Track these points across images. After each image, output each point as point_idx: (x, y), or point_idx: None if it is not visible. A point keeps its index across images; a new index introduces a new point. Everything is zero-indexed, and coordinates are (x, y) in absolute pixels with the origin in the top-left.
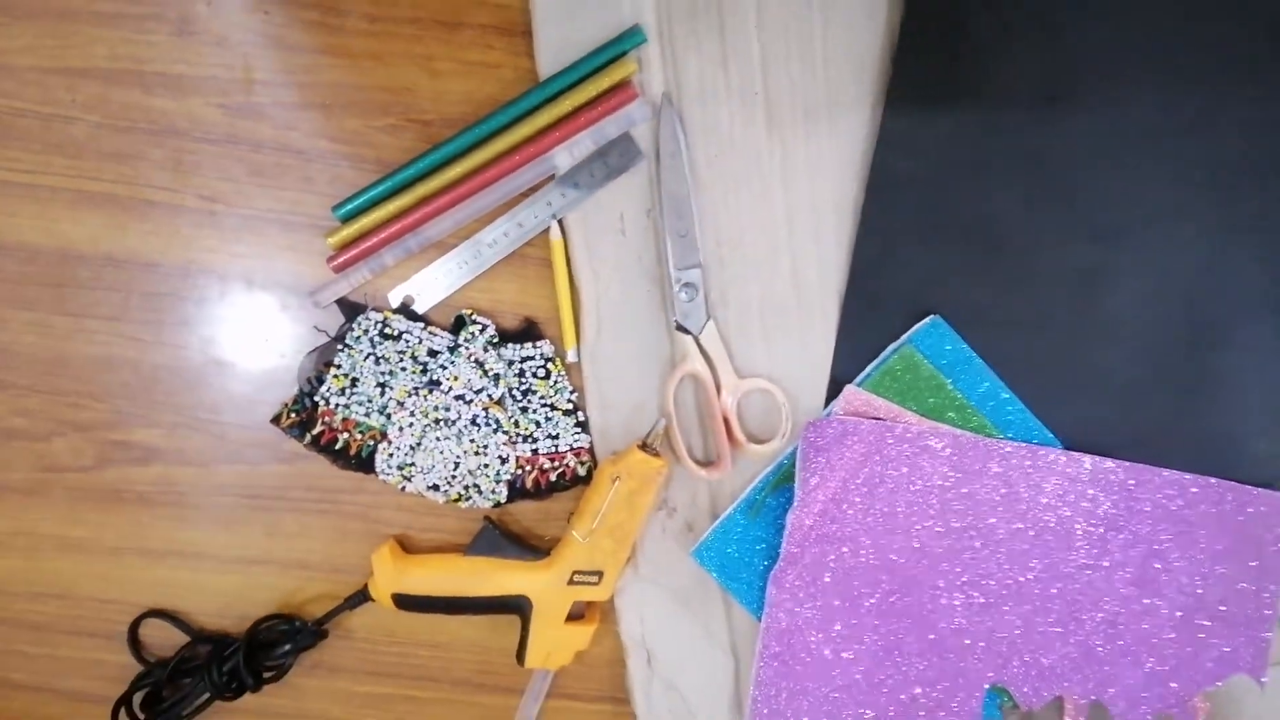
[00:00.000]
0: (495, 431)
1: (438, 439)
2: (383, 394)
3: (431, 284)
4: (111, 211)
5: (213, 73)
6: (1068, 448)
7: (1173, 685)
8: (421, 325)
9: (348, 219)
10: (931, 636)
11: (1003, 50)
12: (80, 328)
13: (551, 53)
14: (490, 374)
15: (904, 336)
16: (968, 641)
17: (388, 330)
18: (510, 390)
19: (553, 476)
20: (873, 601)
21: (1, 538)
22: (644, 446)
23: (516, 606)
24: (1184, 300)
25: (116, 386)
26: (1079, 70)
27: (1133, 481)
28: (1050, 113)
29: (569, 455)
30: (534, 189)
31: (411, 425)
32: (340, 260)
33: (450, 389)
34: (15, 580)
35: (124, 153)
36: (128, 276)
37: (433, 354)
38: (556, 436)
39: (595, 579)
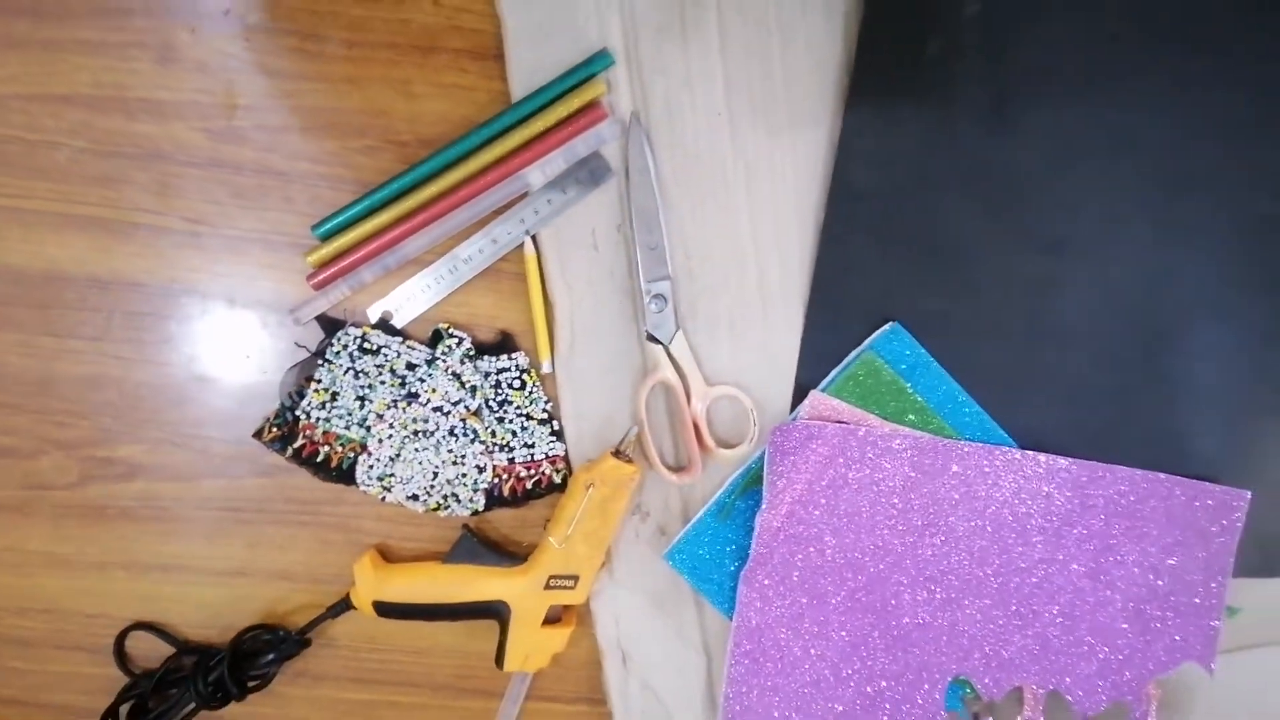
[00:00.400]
0: (473, 442)
1: (417, 450)
2: (362, 407)
3: (409, 299)
4: (96, 234)
5: (195, 98)
6: (1023, 448)
7: (1126, 674)
8: (400, 339)
9: (327, 238)
10: (896, 631)
11: (954, 69)
12: (66, 348)
13: (523, 75)
14: (467, 386)
15: (865, 343)
16: (930, 635)
17: (367, 345)
18: (487, 401)
19: (529, 484)
20: (839, 598)
21: None
22: (617, 454)
23: (495, 612)
24: (1132, 305)
25: (101, 405)
26: (1026, 88)
27: (1085, 478)
28: (1000, 128)
29: (544, 463)
30: (508, 206)
31: (391, 437)
32: (320, 278)
33: (428, 401)
34: (2, 596)
35: (109, 177)
36: (112, 297)
37: (411, 367)
38: (532, 445)
39: (571, 583)
